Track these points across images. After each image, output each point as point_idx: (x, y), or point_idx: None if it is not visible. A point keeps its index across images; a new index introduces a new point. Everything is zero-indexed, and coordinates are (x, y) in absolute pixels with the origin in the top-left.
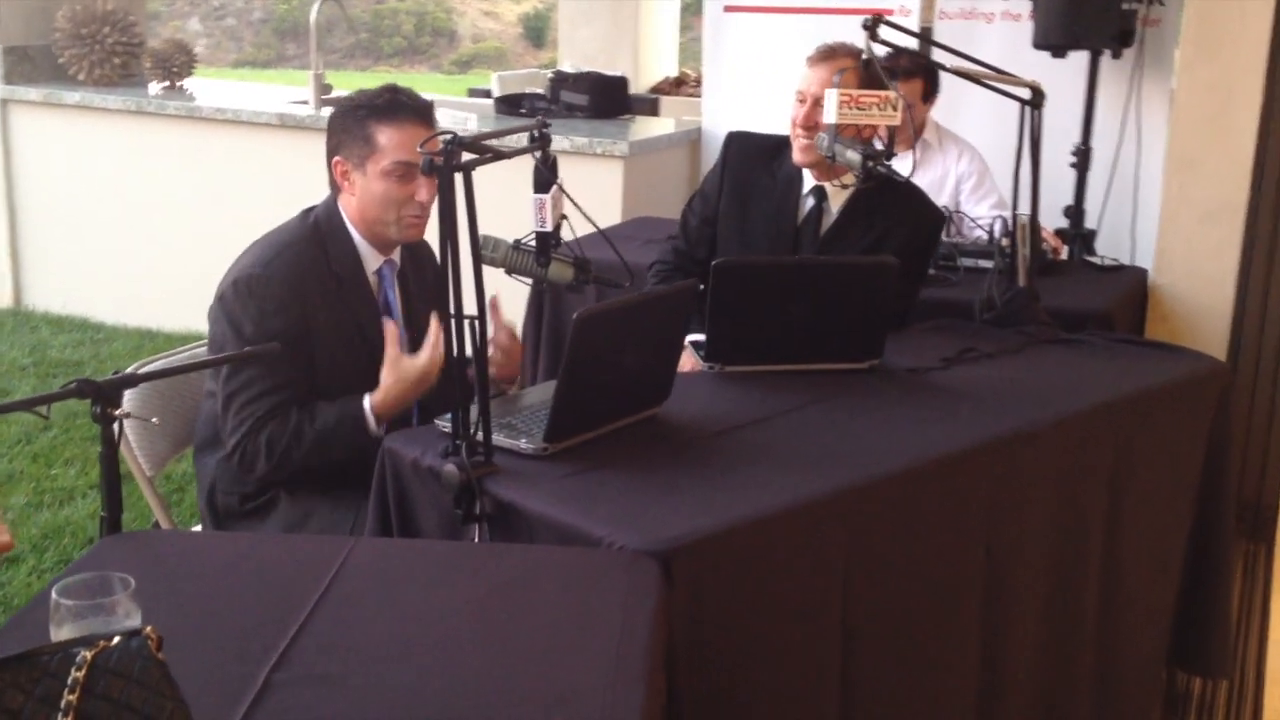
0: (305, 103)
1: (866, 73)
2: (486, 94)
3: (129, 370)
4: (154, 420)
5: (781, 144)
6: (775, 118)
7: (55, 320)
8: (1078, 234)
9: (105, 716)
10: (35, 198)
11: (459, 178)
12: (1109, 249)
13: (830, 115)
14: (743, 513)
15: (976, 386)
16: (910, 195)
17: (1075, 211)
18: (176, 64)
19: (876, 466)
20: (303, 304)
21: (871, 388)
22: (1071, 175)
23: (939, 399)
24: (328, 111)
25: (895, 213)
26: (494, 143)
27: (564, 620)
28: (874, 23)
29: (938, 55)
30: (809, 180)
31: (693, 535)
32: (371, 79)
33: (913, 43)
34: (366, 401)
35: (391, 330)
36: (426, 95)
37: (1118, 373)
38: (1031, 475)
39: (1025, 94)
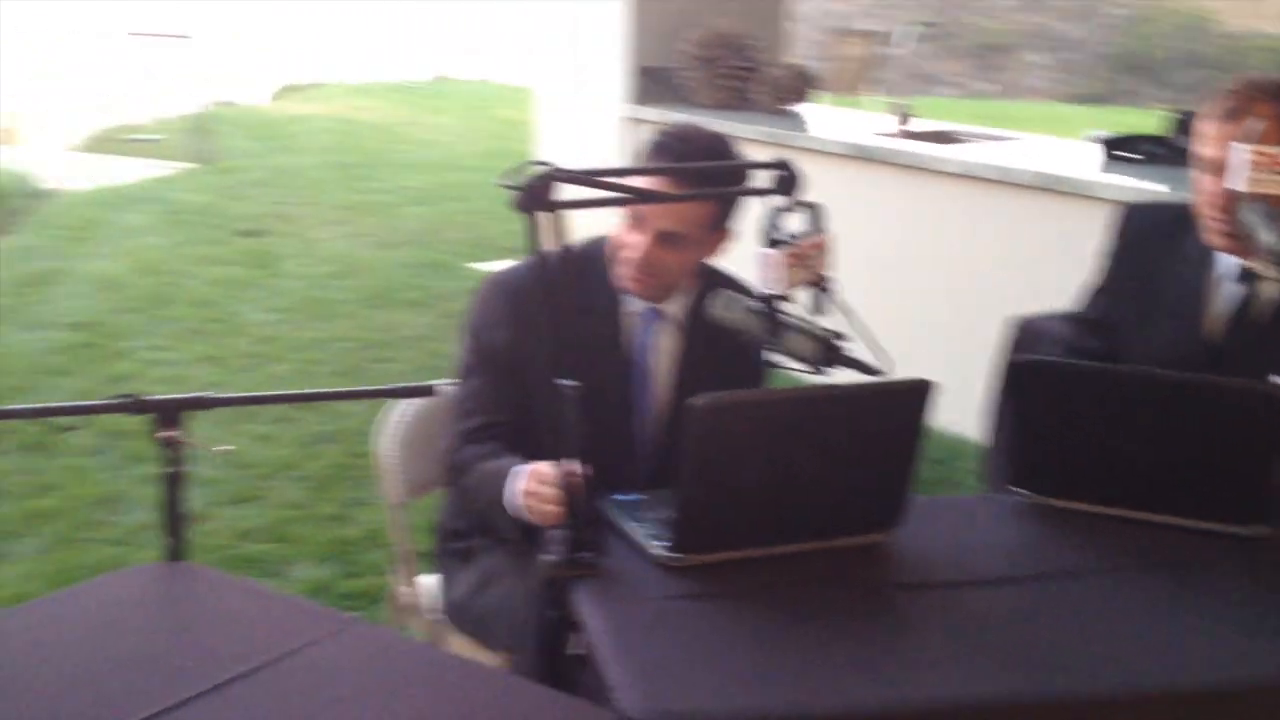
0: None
1: None
2: None
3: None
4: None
5: (1188, 213)
6: None
7: None
8: None
9: None
10: None
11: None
12: None
13: (1238, 179)
14: (827, 703)
15: None
16: None
17: None
18: (789, 90)
19: (1091, 684)
20: (530, 326)
21: (1224, 566)
22: None
23: None
24: (903, 144)
25: None
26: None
27: None
28: None
29: None
30: (1229, 261)
31: (715, 714)
32: (976, 109)
33: None
34: (520, 480)
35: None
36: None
37: None
38: None
39: None
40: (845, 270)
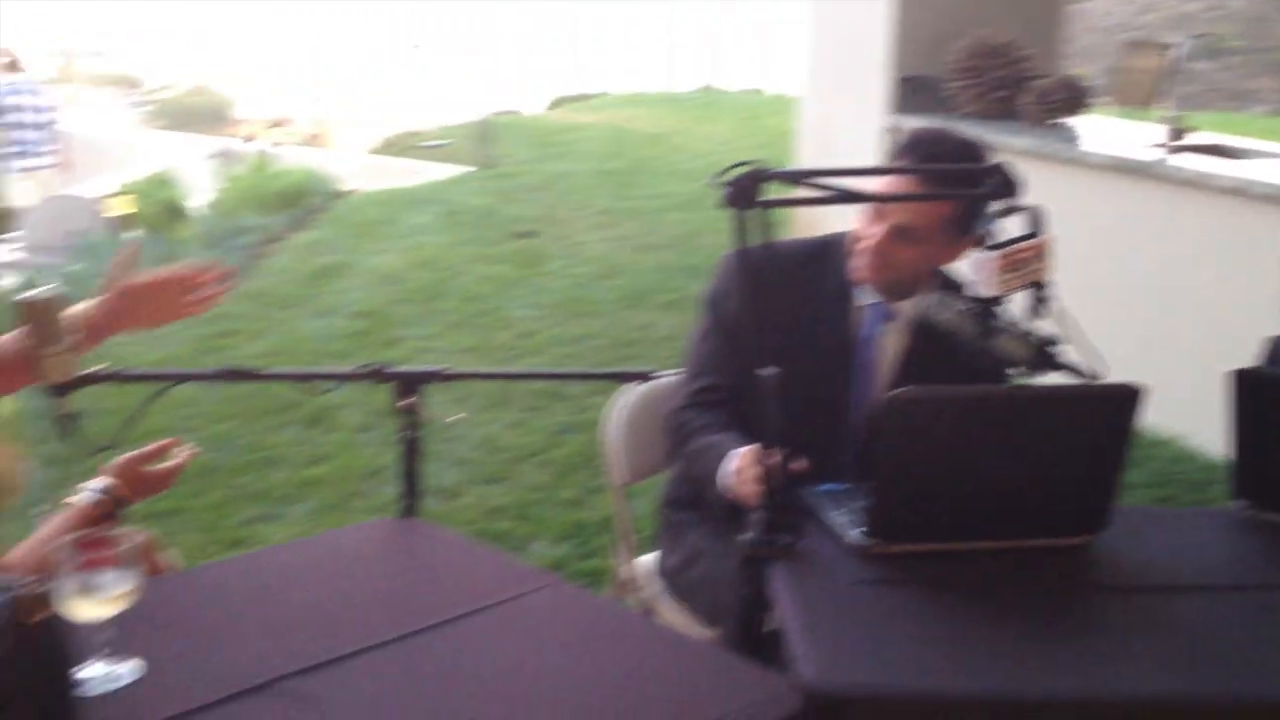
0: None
1: None
2: None
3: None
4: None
5: None
6: None
7: None
8: None
9: None
10: None
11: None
12: None
13: None
14: (1006, 689)
15: None
16: None
17: None
18: (1058, 101)
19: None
20: (760, 303)
21: None
22: None
23: None
24: (1172, 159)
25: None
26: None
27: None
28: None
29: None
30: None
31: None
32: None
33: None
34: (732, 462)
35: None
36: None
37: None
38: None
39: None
40: (1105, 283)
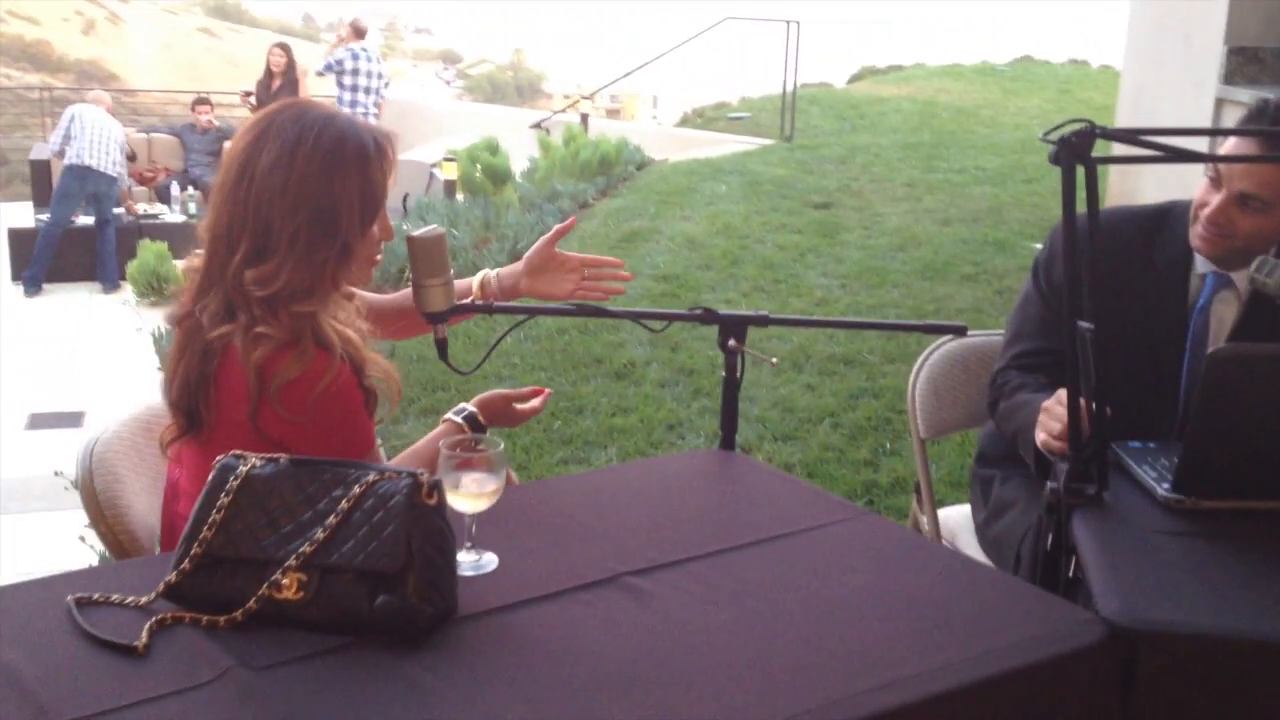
0: None
1: None
2: None
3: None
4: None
5: None
6: None
7: None
8: None
9: (358, 522)
10: None
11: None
12: None
13: None
14: None
15: None
16: None
17: None
18: None
19: None
20: (1091, 269)
21: None
22: None
23: None
24: None
25: None
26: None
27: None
28: None
29: None
30: None
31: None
32: None
33: None
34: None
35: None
36: None
37: None
38: None
39: None
40: None
